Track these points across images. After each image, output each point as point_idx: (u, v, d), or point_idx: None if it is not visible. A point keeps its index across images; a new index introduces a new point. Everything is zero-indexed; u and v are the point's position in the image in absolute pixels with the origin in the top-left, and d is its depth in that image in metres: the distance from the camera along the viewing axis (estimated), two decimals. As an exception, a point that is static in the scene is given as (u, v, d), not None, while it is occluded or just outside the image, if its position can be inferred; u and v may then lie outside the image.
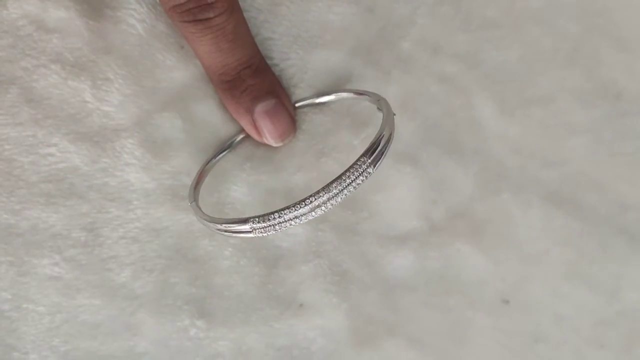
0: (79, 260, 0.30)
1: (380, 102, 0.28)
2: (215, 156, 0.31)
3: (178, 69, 0.31)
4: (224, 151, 0.31)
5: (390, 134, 0.26)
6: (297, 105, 0.32)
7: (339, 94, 0.31)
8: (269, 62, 0.31)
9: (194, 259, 0.31)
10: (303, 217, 0.25)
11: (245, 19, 0.30)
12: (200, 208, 0.28)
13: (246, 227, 0.25)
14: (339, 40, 0.32)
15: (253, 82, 0.30)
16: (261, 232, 0.25)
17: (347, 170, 0.25)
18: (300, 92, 0.32)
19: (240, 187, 0.31)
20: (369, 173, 0.25)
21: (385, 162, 0.32)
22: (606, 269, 0.32)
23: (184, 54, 0.31)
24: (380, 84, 0.32)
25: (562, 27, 0.32)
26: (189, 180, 0.31)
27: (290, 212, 0.25)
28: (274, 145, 0.31)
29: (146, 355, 0.31)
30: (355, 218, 0.32)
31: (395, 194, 0.32)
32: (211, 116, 0.31)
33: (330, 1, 0.32)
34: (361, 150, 0.31)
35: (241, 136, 0.31)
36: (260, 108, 0.30)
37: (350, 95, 0.31)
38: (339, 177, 0.25)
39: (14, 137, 0.30)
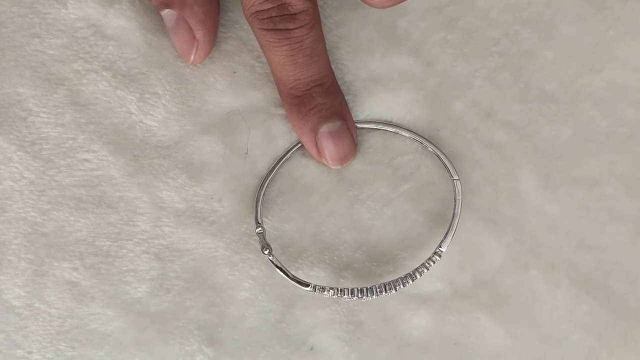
0: (98, 268, 0.30)
1: (455, 182, 0.30)
2: (267, 176, 0.31)
3: (227, 94, 0.31)
4: (275, 167, 0.31)
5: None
6: (359, 126, 0.31)
7: (401, 130, 0.31)
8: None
9: (213, 286, 0.31)
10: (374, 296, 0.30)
11: (323, 36, 0.29)
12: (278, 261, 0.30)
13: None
14: (393, 91, 0.31)
15: (323, 100, 0.30)
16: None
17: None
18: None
19: (270, 220, 0.31)
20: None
21: (418, 219, 0.31)
22: (625, 362, 0.31)
23: (235, 79, 0.31)
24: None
25: (621, 111, 0.31)
26: (219, 206, 0.31)
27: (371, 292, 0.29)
28: (332, 167, 0.31)
29: (149, 374, 0.30)
30: (380, 271, 0.31)
31: (423, 253, 0.31)
32: (253, 147, 0.31)
33: (389, 51, 0.31)
34: (397, 203, 0.31)
35: (294, 149, 0.31)
36: (325, 128, 0.30)
37: (416, 139, 0.30)
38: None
39: (54, 137, 0.30)
